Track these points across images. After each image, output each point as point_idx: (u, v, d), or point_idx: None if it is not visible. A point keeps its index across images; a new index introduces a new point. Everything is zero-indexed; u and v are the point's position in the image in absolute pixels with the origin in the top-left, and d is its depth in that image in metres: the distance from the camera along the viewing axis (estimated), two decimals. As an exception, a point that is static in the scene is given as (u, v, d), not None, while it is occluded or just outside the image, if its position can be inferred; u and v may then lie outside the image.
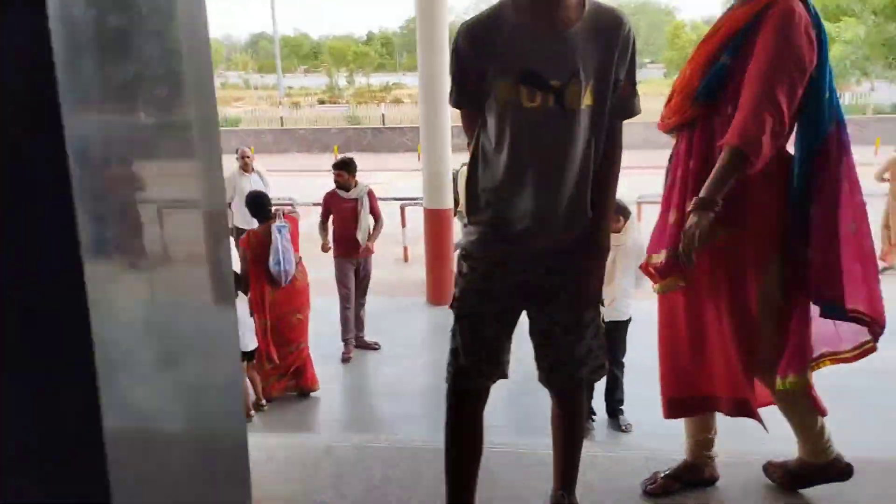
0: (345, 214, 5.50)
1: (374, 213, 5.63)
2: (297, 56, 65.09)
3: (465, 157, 1.78)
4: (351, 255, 5.56)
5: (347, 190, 5.51)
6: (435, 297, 6.89)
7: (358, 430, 4.64)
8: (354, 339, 5.74)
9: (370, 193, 5.61)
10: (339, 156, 5.88)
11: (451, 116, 6.87)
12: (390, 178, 13.07)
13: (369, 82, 38.98)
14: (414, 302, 7.10)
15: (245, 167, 6.91)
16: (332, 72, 39.76)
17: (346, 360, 5.62)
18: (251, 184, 6.74)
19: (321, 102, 31.82)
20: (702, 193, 1.77)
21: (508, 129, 1.62)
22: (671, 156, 2.00)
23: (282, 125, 22.21)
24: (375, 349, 5.80)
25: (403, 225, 8.78)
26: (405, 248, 8.71)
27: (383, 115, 22.03)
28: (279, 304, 4.86)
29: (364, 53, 48.25)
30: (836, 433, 2.02)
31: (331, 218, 5.59)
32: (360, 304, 5.74)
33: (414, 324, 6.63)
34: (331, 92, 35.76)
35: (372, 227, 5.61)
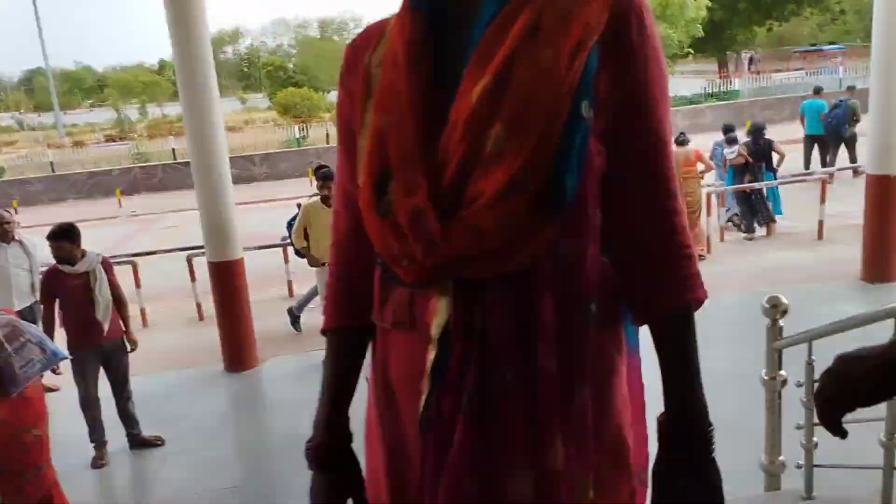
0: (75, 295, 4.27)
1: (113, 289, 4.42)
2: (80, 90, 60.32)
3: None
4: (92, 345, 4.34)
5: (73, 264, 4.27)
6: (232, 364, 5.84)
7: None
8: (129, 437, 4.59)
9: (105, 263, 4.42)
10: (58, 223, 4.50)
11: (227, 147, 5.93)
12: (182, 221, 11.58)
13: (164, 113, 36.20)
14: (208, 372, 5.96)
15: (4, 236, 5.35)
16: (118, 105, 36.39)
17: (97, 465, 4.44)
18: (10, 259, 5.33)
19: (110, 140, 28.97)
20: (683, 412, 0.95)
21: None
22: (443, 334, 0.92)
23: (52, 171, 19.37)
24: (158, 445, 4.66)
25: (193, 279, 7.57)
26: (198, 306, 7.52)
27: (174, 149, 19.71)
28: (5, 421, 3.60)
29: (154, 83, 44.93)
30: None
31: (57, 302, 4.35)
32: (124, 399, 4.57)
33: (208, 403, 5.49)
34: (120, 127, 32.65)
35: (110, 306, 4.38)
